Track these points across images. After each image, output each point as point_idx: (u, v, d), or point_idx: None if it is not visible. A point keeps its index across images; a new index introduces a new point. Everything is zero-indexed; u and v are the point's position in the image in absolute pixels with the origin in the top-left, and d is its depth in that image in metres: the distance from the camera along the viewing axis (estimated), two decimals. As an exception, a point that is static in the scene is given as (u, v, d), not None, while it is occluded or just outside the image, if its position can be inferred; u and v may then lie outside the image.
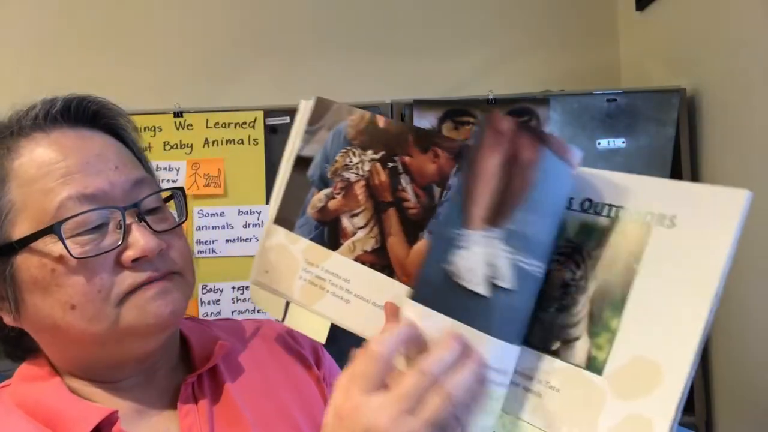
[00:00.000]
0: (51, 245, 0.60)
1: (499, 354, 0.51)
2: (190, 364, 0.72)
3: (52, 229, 0.60)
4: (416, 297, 0.53)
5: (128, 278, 0.62)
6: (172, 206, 0.71)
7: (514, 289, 0.51)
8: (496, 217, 0.52)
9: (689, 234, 0.49)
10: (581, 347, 0.52)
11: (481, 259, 0.51)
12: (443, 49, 2.14)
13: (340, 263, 0.66)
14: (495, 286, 0.51)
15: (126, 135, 0.69)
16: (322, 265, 0.67)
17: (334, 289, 0.66)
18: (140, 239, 0.62)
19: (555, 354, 0.54)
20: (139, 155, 0.70)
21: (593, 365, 0.51)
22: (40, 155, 0.62)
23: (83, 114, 0.66)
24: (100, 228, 0.62)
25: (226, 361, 0.72)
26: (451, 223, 0.53)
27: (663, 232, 0.50)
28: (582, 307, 0.53)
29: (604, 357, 0.51)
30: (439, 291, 0.52)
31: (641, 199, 0.52)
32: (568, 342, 0.53)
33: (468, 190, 0.53)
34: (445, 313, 0.52)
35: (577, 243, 0.55)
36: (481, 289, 0.51)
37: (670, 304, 0.49)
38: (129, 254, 0.61)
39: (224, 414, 0.68)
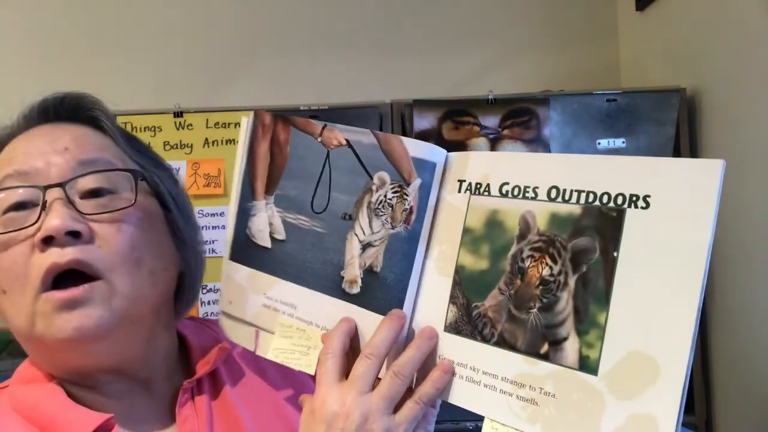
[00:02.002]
0: None
1: (286, 290, 0.64)
2: (190, 366, 0.70)
3: None
4: (231, 256, 0.70)
5: (36, 262, 0.58)
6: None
7: (285, 239, 0.65)
8: (270, 187, 0.67)
9: (666, 213, 0.46)
10: (571, 347, 0.50)
11: (264, 220, 0.67)
12: (443, 49, 2.14)
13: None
14: (274, 239, 0.66)
15: (106, 125, 0.67)
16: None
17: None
18: (52, 218, 0.57)
19: (544, 357, 0.51)
20: (125, 145, 0.66)
21: (586, 365, 0.49)
22: (11, 147, 0.63)
23: (64, 110, 0.66)
24: (27, 207, 0.59)
25: (225, 363, 0.71)
26: (246, 198, 0.68)
27: (638, 214, 0.48)
28: (566, 304, 0.50)
29: (597, 355, 0.48)
30: (244, 250, 0.68)
31: (610, 180, 0.49)
32: (557, 343, 0.50)
33: (252, 172, 0.68)
34: (247, 265, 0.68)
35: (549, 235, 0.52)
36: (267, 243, 0.66)
37: (658, 290, 0.46)
38: (37, 236, 0.58)
39: (224, 420, 0.66)
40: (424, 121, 1.70)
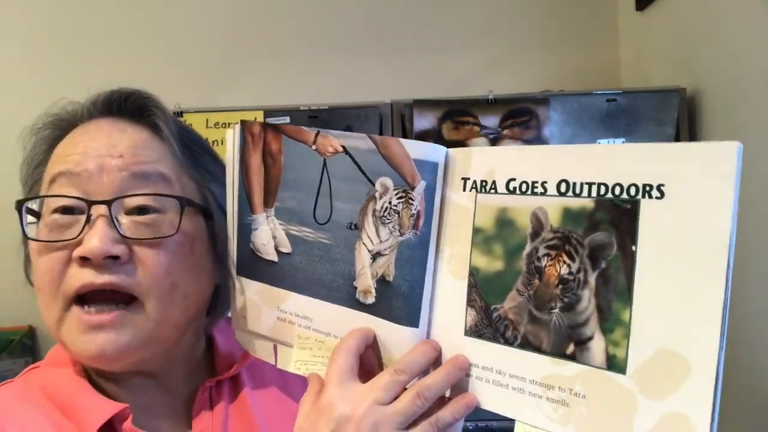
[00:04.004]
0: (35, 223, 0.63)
1: (299, 303, 0.63)
2: (214, 367, 0.71)
3: (20, 204, 0.62)
4: (239, 273, 0.68)
5: (71, 278, 0.59)
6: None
7: (291, 251, 0.63)
8: (268, 199, 0.65)
9: (683, 202, 0.44)
10: (597, 347, 0.48)
11: (267, 234, 0.65)
12: (443, 48, 2.13)
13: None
14: (280, 252, 0.64)
15: (166, 134, 0.65)
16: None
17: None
18: (92, 238, 0.58)
19: (571, 358, 0.49)
20: (181, 157, 0.65)
21: (614, 364, 0.47)
22: (72, 138, 0.64)
23: (127, 108, 0.66)
24: (74, 212, 0.61)
25: (248, 368, 0.71)
26: (245, 212, 0.66)
27: (653, 204, 0.46)
28: (588, 303, 0.49)
29: (624, 354, 0.47)
30: (250, 265, 0.66)
31: (621, 171, 0.47)
32: (582, 343, 0.49)
33: (247, 185, 0.66)
34: (256, 280, 0.66)
35: (564, 232, 0.50)
36: (273, 257, 0.64)
37: (681, 284, 0.44)
38: (76, 252, 0.59)
39: (239, 423, 0.67)
40: (424, 121, 1.70)
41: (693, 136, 1.71)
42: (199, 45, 2.13)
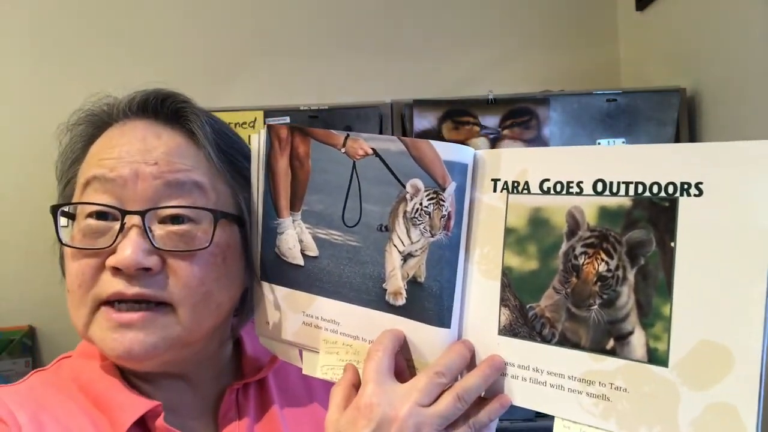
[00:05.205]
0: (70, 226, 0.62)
1: (326, 307, 0.63)
2: (241, 369, 0.71)
3: (55, 209, 0.62)
4: (262, 278, 0.67)
5: (102, 285, 0.60)
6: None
7: (318, 255, 0.63)
8: (295, 203, 0.64)
9: (722, 199, 0.46)
10: (638, 341, 0.49)
11: (293, 238, 0.64)
12: (443, 49, 2.13)
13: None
14: (306, 256, 0.64)
15: (202, 141, 0.65)
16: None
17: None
18: (125, 248, 0.58)
19: (611, 353, 0.50)
20: (218, 163, 0.65)
21: (656, 358, 0.48)
22: (107, 140, 0.64)
23: (163, 111, 0.65)
24: (107, 218, 0.61)
25: (275, 372, 0.71)
26: (270, 216, 0.66)
27: (691, 202, 0.47)
28: (627, 299, 0.50)
29: (665, 347, 0.48)
30: (274, 269, 0.66)
31: (659, 170, 0.48)
32: (622, 338, 0.50)
33: (274, 189, 0.65)
34: (281, 285, 0.66)
35: (601, 230, 0.51)
36: (299, 260, 0.64)
37: (722, 278, 0.45)
38: (109, 261, 0.59)
39: (265, 426, 0.67)
40: (424, 121, 1.70)
41: (693, 136, 1.71)
42: (199, 45, 2.13)
